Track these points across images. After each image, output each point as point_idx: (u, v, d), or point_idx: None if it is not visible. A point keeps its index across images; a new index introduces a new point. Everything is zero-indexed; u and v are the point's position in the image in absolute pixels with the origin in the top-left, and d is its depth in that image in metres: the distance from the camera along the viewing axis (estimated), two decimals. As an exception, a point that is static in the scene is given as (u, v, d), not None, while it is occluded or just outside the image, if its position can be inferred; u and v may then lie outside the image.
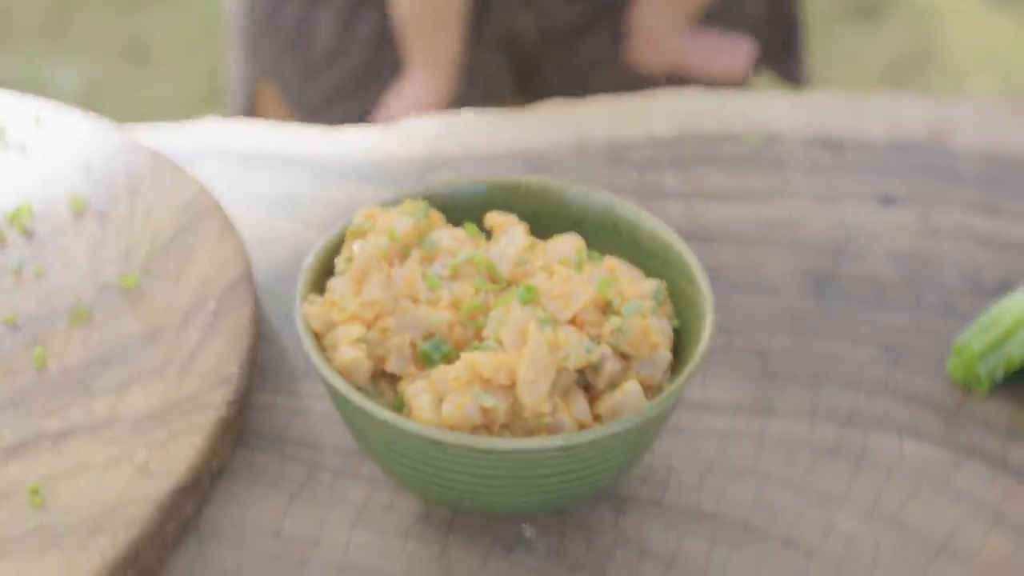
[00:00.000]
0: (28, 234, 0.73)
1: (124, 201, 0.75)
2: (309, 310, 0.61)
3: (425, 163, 0.83)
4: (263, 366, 0.71)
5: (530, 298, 0.60)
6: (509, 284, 0.62)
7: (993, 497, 0.66)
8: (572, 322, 0.61)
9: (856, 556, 0.63)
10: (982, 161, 0.85)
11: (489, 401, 0.57)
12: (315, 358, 0.59)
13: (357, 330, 0.60)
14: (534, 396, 0.57)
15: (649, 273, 0.66)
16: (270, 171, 0.82)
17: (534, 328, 0.58)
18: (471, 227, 0.65)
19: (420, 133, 0.86)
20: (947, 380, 0.71)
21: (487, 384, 0.58)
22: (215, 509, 0.64)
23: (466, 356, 0.58)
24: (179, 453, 0.62)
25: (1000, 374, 0.70)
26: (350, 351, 0.59)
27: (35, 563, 0.58)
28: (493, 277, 0.62)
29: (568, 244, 0.64)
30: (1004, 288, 0.76)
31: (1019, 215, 0.82)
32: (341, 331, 0.60)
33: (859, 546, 0.63)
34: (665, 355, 0.61)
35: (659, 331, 0.61)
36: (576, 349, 0.59)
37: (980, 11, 3.13)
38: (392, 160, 0.84)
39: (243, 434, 0.67)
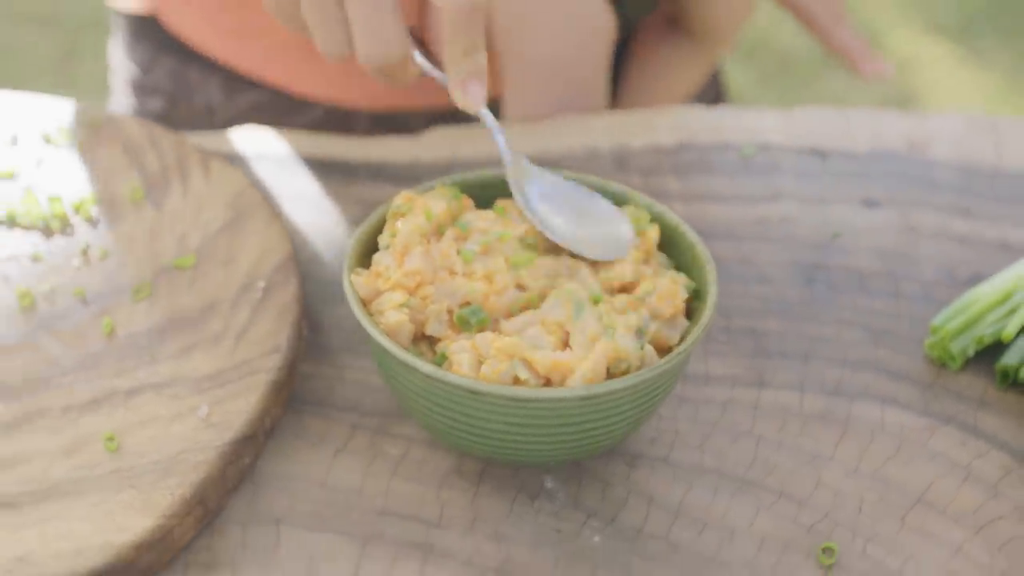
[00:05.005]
0: (92, 222, 0.80)
1: (177, 194, 0.82)
2: (356, 279, 0.69)
3: (447, 166, 0.91)
4: (306, 341, 0.78)
5: (598, 300, 0.68)
6: (543, 252, 0.71)
7: (965, 457, 0.73)
8: (622, 289, 0.69)
9: (842, 505, 0.70)
10: (956, 171, 0.94)
11: (524, 374, 0.65)
12: (362, 319, 0.66)
13: (400, 297, 0.67)
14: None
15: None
16: (304, 173, 0.90)
17: (603, 345, 0.65)
18: (499, 208, 0.72)
19: (443, 140, 0.93)
20: (924, 358, 0.79)
21: (528, 364, 0.65)
22: (268, 462, 0.71)
23: (524, 348, 0.65)
24: (237, 409, 0.69)
25: (972, 351, 0.78)
26: (395, 314, 0.67)
27: (113, 499, 0.65)
28: (526, 246, 0.70)
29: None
30: (977, 280, 0.84)
31: (991, 218, 0.90)
32: (386, 298, 0.67)
33: (845, 497, 0.71)
34: (683, 321, 0.68)
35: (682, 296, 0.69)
36: (634, 357, 0.66)
37: (960, 60, 3.22)
38: (417, 163, 0.91)
39: (291, 399, 0.74)
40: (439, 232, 0.71)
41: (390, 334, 0.67)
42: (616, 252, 0.70)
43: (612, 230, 0.72)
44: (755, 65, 3.13)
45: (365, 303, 0.69)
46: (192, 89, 1.07)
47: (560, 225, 0.72)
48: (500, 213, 0.72)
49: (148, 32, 1.08)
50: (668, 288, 0.68)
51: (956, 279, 0.85)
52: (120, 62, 1.13)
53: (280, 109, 1.05)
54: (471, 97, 0.70)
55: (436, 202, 0.71)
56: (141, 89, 1.10)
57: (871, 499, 0.71)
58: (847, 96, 2.87)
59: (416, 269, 0.68)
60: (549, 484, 0.71)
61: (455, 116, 1.05)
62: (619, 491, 0.71)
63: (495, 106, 1.07)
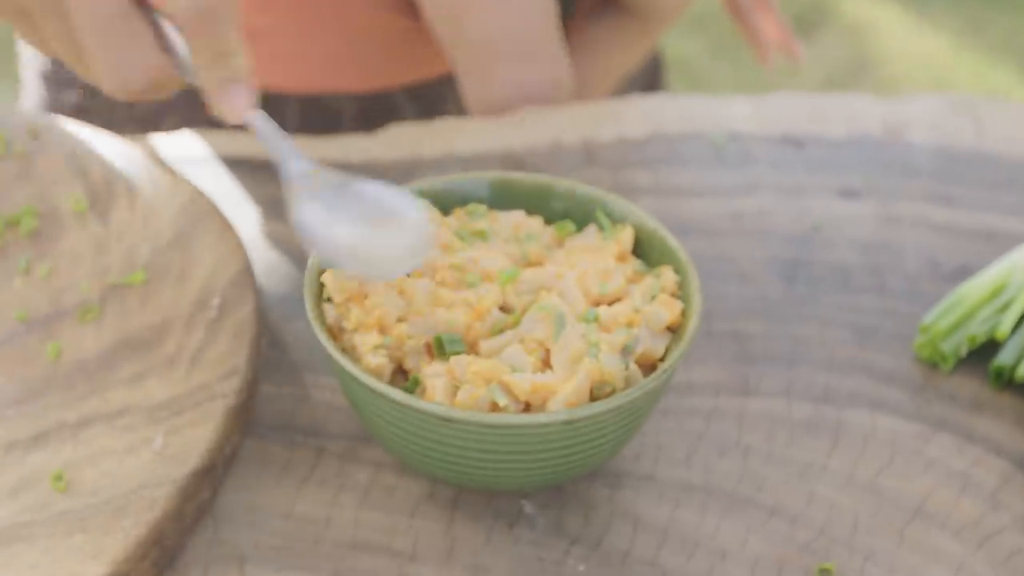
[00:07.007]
0: (33, 236, 0.75)
1: (124, 203, 0.77)
2: (325, 307, 0.64)
3: (408, 165, 0.87)
4: (266, 359, 0.74)
5: (591, 319, 0.64)
6: (529, 263, 0.67)
7: (962, 465, 0.70)
8: (610, 303, 0.66)
9: (837, 521, 0.67)
10: (935, 156, 0.90)
11: (503, 400, 0.61)
12: (328, 347, 0.62)
13: (375, 338, 0.63)
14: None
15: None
16: (256, 176, 0.85)
17: (586, 366, 0.61)
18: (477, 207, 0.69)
19: (402, 138, 0.89)
20: (913, 358, 0.76)
21: (506, 388, 0.61)
22: (229, 494, 0.67)
23: (502, 372, 0.61)
24: (194, 439, 0.65)
25: (964, 351, 0.74)
26: (375, 358, 0.62)
27: (63, 545, 0.60)
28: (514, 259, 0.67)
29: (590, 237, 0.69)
30: (962, 272, 0.81)
31: (972, 205, 0.86)
32: (359, 339, 0.63)
33: (840, 512, 0.67)
34: (666, 335, 0.65)
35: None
36: (619, 378, 0.62)
37: (911, 25, 3.20)
38: (376, 163, 0.87)
39: (252, 423, 0.70)
40: None
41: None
42: (412, 264, 0.64)
43: (412, 237, 0.64)
44: (706, 35, 3.09)
45: (333, 333, 0.64)
46: None
47: (342, 244, 0.63)
48: (481, 235, 0.69)
49: None
50: (666, 297, 0.65)
51: (941, 272, 0.81)
52: (31, 54, 1.07)
53: (202, 98, 0.99)
54: (231, 105, 0.64)
55: None
56: (55, 82, 1.05)
57: (867, 513, 0.67)
58: (801, 65, 2.83)
59: (377, 303, 0.63)
60: (528, 509, 0.67)
61: (390, 98, 1.01)
62: (602, 513, 0.67)
63: (447, 87, 1.03)
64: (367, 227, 0.63)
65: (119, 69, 0.63)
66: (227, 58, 0.62)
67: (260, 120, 0.65)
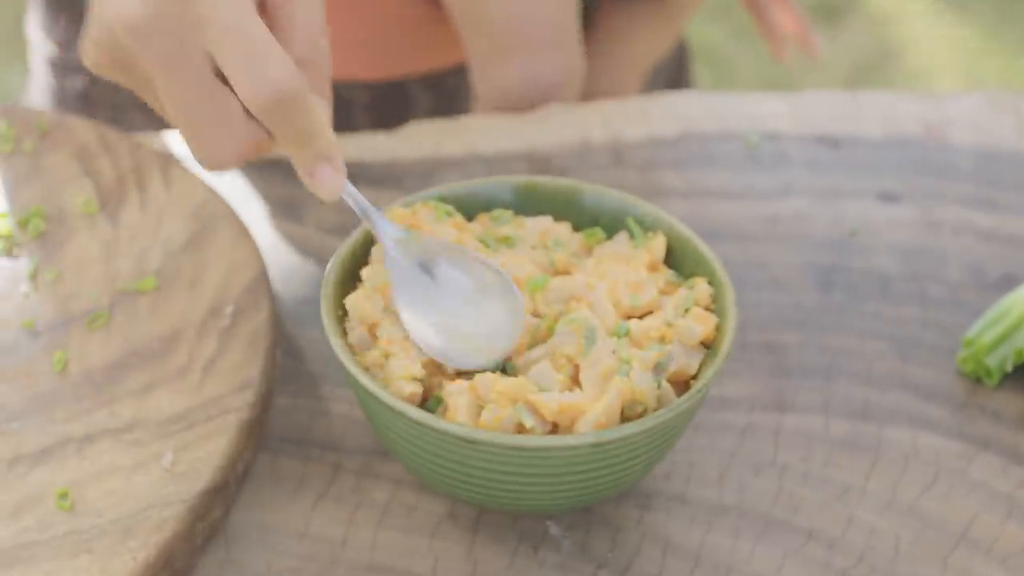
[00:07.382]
0: (41, 238, 0.73)
1: (135, 204, 0.74)
2: (349, 323, 0.62)
3: (428, 165, 0.84)
4: (281, 368, 0.71)
5: (623, 333, 0.61)
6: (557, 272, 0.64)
7: (1007, 487, 0.67)
8: (641, 316, 0.63)
9: (878, 546, 0.64)
10: (978, 157, 0.87)
11: (529, 422, 0.58)
12: (345, 360, 0.59)
13: (414, 368, 0.60)
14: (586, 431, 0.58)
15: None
16: (272, 175, 0.82)
17: (617, 385, 0.58)
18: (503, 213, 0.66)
19: (423, 135, 0.86)
20: (956, 372, 0.72)
21: (533, 408, 0.58)
22: (242, 511, 0.64)
23: (528, 391, 0.58)
24: (205, 455, 0.62)
25: (1010, 366, 0.71)
26: (408, 386, 0.59)
27: (67, 567, 0.58)
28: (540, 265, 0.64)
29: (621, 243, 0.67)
30: (1007, 281, 0.78)
31: (1017, 210, 0.83)
32: (395, 364, 0.60)
33: (880, 537, 0.64)
34: (700, 350, 0.62)
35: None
36: (651, 397, 0.59)
37: (940, 14, 3.16)
38: (396, 162, 0.84)
39: (266, 437, 0.67)
40: None
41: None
42: (502, 351, 0.61)
43: (502, 320, 0.62)
44: (729, 22, 3.05)
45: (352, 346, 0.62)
46: None
47: (435, 345, 0.62)
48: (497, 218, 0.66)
49: (66, 7, 1.00)
50: (699, 311, 0.62)
51: (985, 280, 0.78)
52: (38, 40, 1.05)
53: None
54: (320, 183, 0.61)
55: (441, 228, 0.64)
56: (61, 68, 1.02)
57: (908, 538, 0.64)
58: (826, 55, 2.80)
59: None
60: (554, 531, 0.64)
61: (404, 87, 0.98)
62: (631, 536, 0.64)
63: (462, 79, 1.00)
64: (456, 320, 0.62)
65: (209, 149, 0.60)
66: (311, 138, 0.60)
67: (352, 195, 0.63)
